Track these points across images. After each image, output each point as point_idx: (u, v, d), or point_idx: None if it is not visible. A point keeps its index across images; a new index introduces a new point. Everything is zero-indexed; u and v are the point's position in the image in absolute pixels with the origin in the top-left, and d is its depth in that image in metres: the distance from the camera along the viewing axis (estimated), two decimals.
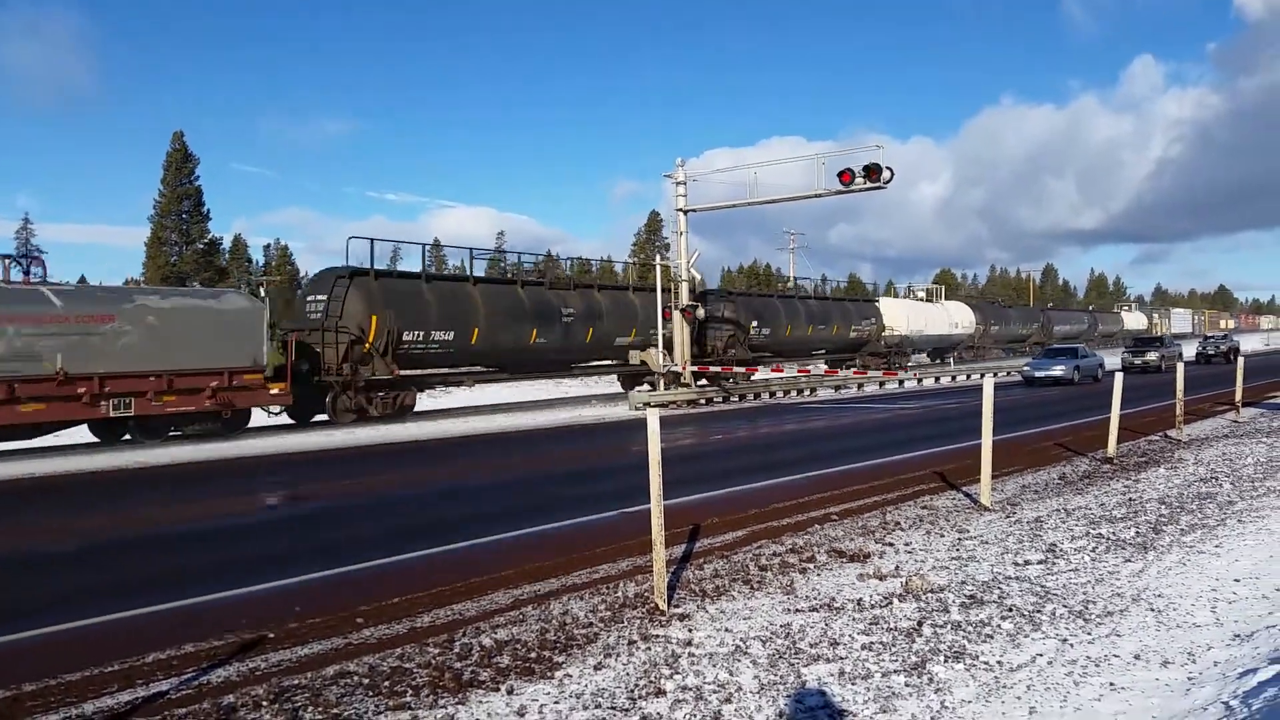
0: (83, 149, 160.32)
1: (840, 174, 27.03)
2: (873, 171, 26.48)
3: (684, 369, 30.69)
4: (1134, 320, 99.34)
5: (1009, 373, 42.72)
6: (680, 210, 31.13)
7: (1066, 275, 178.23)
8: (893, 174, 26.49)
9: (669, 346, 30.91)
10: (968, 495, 11.69)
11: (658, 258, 33.83)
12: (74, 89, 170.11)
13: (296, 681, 5.69)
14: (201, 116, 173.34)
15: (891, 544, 9.14)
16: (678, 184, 30.85)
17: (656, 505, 7.10)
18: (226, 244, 77.78)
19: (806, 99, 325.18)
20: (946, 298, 67.10)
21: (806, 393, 34.16)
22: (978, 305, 65.64)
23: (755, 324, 38.51)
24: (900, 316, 49.17)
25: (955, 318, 56.62)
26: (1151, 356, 43.07)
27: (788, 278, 69.05)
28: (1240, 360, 22.60)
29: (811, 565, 8.36)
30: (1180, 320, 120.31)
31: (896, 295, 58.11)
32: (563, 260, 60.49)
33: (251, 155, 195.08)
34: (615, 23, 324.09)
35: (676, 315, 30.73)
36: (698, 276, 32.55)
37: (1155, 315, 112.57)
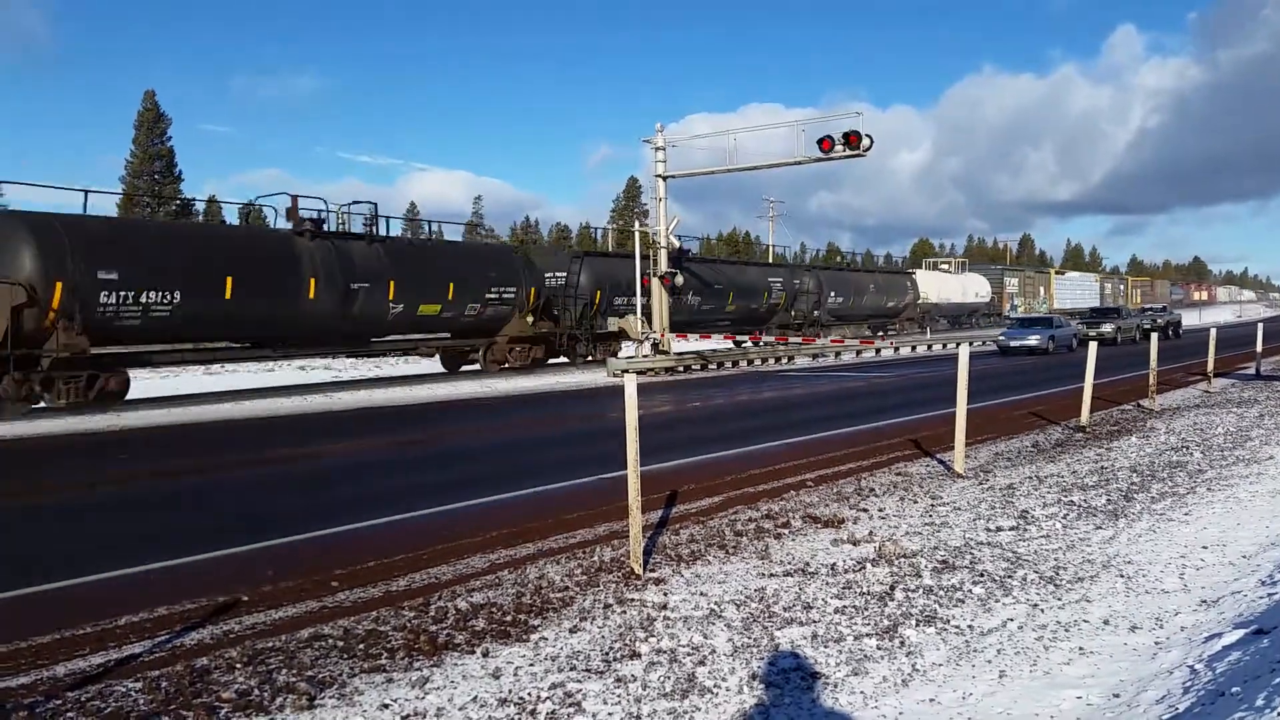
0: (45, 108, 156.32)
1: (820, 141, 26.94)
2: (853, 139, 26.39)
3: (662, 336, 30.68)
4: (956, 288, 61.17)
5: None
6: (659, 176, 30.94)
7: (1043, 246, 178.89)
8: (872, 142, 26.44)
9: (648, 315, 30.89)
10: (941, 462, 11.77)
11: (636, 224, 33.70)
12: (32, 44, 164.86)
13: (271, 644, 5.68)
14: (169, 74, 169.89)
15: (866, 510, 9.20)
16: (657, 149, 30.65)
17: (633, 471, 7.11)
18: (200, 206, 76.66)
19: (787, 65, 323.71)
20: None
21: (784, 361, 34.27)
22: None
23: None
24: None
25: None
26: (1107, 329, 41.05)
27: (767, 245, 68.16)
28: (1212, 331, 22.77)
29: (786, 530, 8.41)
30: (1076, 290, 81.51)
31: None
32: (540, 227, 59.59)
33: (221, 115, 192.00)
34: None
35: (655, 283, 30.67)
36: (676, 243, 32.46)
37: (1011, 281, 71.73)
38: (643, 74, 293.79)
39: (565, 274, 32.37)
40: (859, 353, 37.44)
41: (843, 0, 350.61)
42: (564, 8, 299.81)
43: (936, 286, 58.53)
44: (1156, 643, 5.49)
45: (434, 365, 31.21)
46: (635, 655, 5.41)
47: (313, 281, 23.23)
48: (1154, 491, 9.86)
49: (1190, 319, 70.09)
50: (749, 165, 30.22)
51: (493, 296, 28.49)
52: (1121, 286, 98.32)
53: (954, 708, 4.72)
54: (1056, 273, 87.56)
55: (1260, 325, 26.89)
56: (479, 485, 10.83)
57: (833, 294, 47.40)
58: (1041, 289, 75.76)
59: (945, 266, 65.77)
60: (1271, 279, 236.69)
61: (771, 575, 7.01)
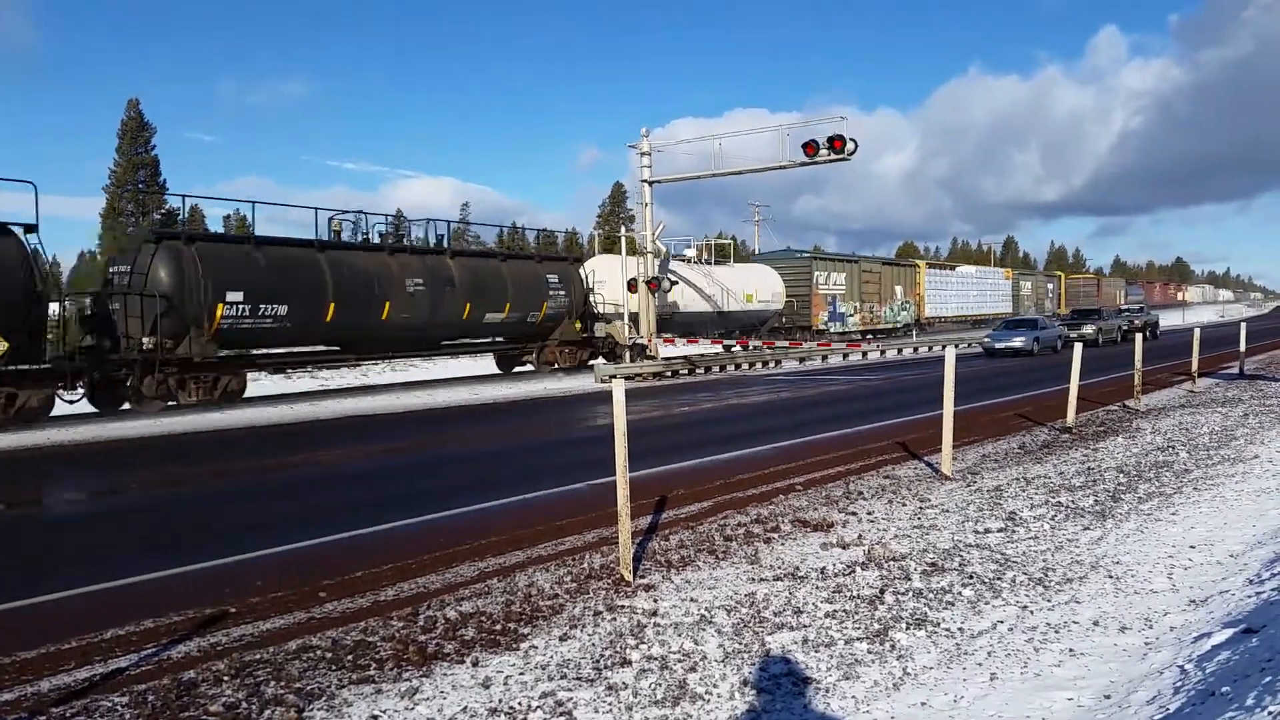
0: (29, 115, 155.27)
1: (805, 145, 27.11)
2: (837, 143, 26.57)
3: (649, 341, 30.68)
4: (703, 289, 36.90)
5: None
6: (645, 181, 30.98)
7: (1027, 248, 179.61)
8: (857, 145, 26.59)
9: (635, 320, 30.89)
10: (929, 465, 11.79)
11: (622, 230, 33.70)
12: (16, 50, 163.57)
13: (258, 656, 5.63)
14: (154, 81, 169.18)
15: (854, 513, 9.20)
16: (643, 154, 30.70)
17: (622, 477, 7.09)
18: (184, 215, 76.33)
19: (772, 70, 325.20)
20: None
21: (772, 365, 34.32)
22: None
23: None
24: None
25: None
26: (1088, 330, 40.50)
27: (752, 250, 67.87)
28: (1196, 332, 22.89)
29: (776, 535, 8.40)
30: (970, 291, 61.54)
31: None
32: (526, 231, 59.42)
33: (205, 122, 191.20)
34: None
35: (642, 288, 30.68)
36: (663, 249, 32.46)
37: (833, 278, 46.49)
38: (629, 79, 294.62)
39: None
40: (845, 355, 37.66)
41: (828, 4, 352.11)
42: (551, 13, 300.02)
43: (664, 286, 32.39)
44: (1146, 643, 5.50)
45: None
46: (626, 663, 5.39)
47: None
48: (1141, 492, 9.90)
49: (1174, 320, 70.49)
50: (734, 170, 30.31)
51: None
52: (1051, 285, 79.77)
53: (946, 711, 4.72)
54: (931, 265, 62.84)
55: (1243, 325, 27.05)
56: (467, 492, 10.78)
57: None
58: (899, 289, 52.89)
59: (689, 253, 40.28)
60: (1254, 279, 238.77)
61: (761, 580, 7.00)
